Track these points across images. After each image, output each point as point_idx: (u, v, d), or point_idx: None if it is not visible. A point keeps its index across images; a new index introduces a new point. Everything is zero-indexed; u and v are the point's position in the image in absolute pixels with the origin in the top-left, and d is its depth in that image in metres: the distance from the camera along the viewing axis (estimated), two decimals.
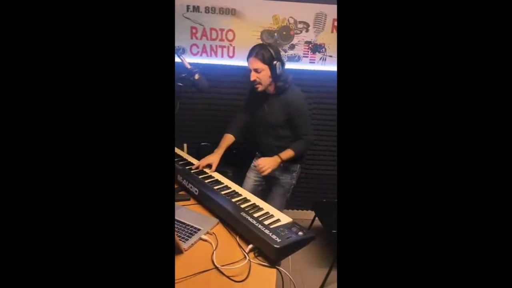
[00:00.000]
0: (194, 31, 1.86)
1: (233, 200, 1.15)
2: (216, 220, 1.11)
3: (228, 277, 0.86)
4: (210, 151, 1.51)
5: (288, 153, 1.41)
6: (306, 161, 2.10)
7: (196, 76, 1.32)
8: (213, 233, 1.05)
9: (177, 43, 1.87)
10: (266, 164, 1.36)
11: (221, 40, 1.88)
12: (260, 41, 1.86)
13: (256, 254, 0.96)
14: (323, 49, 1.92)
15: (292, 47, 1.91)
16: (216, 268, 0.89)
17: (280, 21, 1.85)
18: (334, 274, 1.76)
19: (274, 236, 0.92)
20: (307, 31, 1.88)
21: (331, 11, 1.83)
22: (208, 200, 1.18)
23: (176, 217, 1.08)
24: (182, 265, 0.88)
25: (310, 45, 1.91)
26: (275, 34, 1.88)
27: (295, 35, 1.89)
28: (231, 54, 1.92)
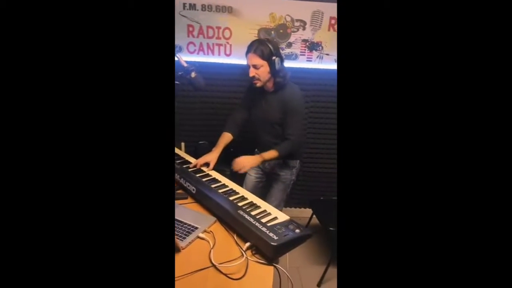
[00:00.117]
0: (190, 29, 1.85)
1: (231, 198, 1.15)
2: (213, 219, 1.11)
3: (225, 275, 0.86)
4: (207, 149, 1.51)
5: (271, 154, 1.39)
6: (304, 159, 2.11)
7: (193, 74, 1.32)
8: (211, 231, 1.05)
9: None
10: (244, 162, 1.34)
11: (218, 38, 1.88)
12: None
13: (253, 252, 0.96)
14: (320, 47, 1.92)
15: (289, 45, 1.91)
16: (214, 266, 0.89)
17: (277, 19, 1.85)
18: (331, 271, 1.77)
19: (271, 234, 0.92)
20: (304, 29, 1.87)
21: (328, 9, 1.82)
22: (206, 198, 1.18)
23: None
24: (179, 264, 0.88)
25: (307, 43, 1.91)
26: (272, 32, 1.87)
27: (292, 33, 1.88)
28: (228, 52, 1.91)
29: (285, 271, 0.91)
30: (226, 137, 1.53)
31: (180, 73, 1.30)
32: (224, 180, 1.30)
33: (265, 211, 1.09)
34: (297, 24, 1.87)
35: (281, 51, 1.89)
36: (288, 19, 1.85)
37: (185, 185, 1.27)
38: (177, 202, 1.22)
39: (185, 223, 1.06)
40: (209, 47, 1.90)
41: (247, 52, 1.34)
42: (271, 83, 1.39)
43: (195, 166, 1.39)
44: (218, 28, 1.85)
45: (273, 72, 1.34)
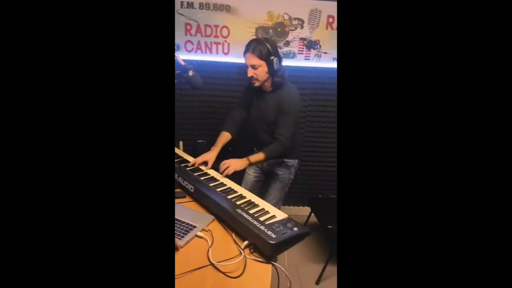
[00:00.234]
0: (188, 27, 1.84)
1: (229, 197, 1.16)
2: (211, 217, 1.11)
3: (223, 273, 0.87)
4: (206, 148, 1.50)
5: (258, 156, 1.38)
6: (302, 158, 2.11)
7: (190, 73, 1.32)
8: (209, 230, 1.05)
9: None
10: (230, 164, 1.32)
11: (216, 36, 1.87)
12: (255, 38, 1.85)
13: (251, 250, 0.96)
14: (318, 46, 1.92)
15: (287, 43, 1.91)
16: (212, 264, 0.89)
17: (275, 18, 1.85)
18: (330, 269, 1.77)
19: (269, 232, 0.93)
20: (302, 27, 1.87)
21: (326, 7, 1.82)
22: (204, 197, 1.19)
23: None
24: (178, 262, 0.88)
25: (305, 42, 1.91)
26: (270, 30, 1.87)
27: (290, 31, 1.88)
28: (226, 51, 1.91)
29: (283, 269, 0.92)
30: (225, 136, 1.52)
31: (177, 71, 1.29)
32: (222, 178, 1.30)
33: (263, 209, 1.10)
34: (295, 22, 1.86)
35: (279, 49, 1.90)
36: (286, 17, 1.85)
37: (183, 184, 1.27)
38: (175, 200, 1.22)
39: (183, 222, 1.06)
40: (207, 46, 1.89)
41: (245, 52, 1.33)
42: (269, 82, 1.39)
43: (193, 165, 1.39)
44: (216, 26, 1.85)
45: (271, 72, 1.34)
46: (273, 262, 0.92)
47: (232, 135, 1.54)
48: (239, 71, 1.85)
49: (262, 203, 1.14)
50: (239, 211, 1.04)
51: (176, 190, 1.29)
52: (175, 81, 1.28)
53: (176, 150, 1.56)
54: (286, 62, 1.91)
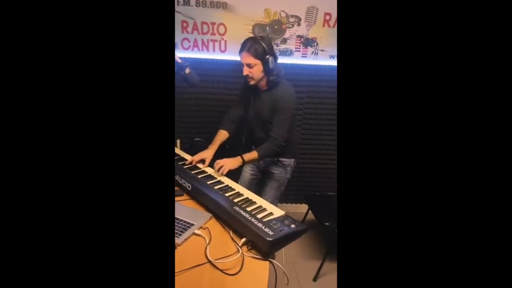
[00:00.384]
0: (185, 25, 1.83)
1: (226, 194, 1.16)
2: (209, 215, 1.11)
3: (221, 270, 0.87)
4: (203, 146, 1.50)
5: (251, 155, 1.38)
6: (299, 156, 2.11)
7: (187, 70, 1.32)
8: (207, 227, 1.05)
9: None
10: (224, 163, 1.32)
11: (213, 34, 1.86)
12: (252, 35, 1.84)
13: (249, 248, 0.97)
14: (315, 43, 1.92)
15: (284, 41, 1.91)
16: (210, 262, 0.89)
17: (272, 15, 1.84)
18: (327, 266, 1.78)
19: (266, 229, 0.93)
20: (299, 25, 1.87)
21: (323, 4, 1.82)
22: (201, 195, 1.19)
23: None
24: (176, 260, 0.87)
25: (302, 39, 1.91)
26: (267, 28, 1.87)
27: (287, 29, 1.88)
28: (223, 48, 1.90)
29: (281, 266, 0.92)
30: (222, 135, 1.52)
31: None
32: (219, 176, 1.30)
33: (260, 206, 1.10)
34: (291, 20, 1.86)
35: (276, 47, 1.90)
36: (283, 15, 1.85)
37: (180, 182, 1.26)
38: None
39: (181, 220, 1.06)
40: (204, 43, 1.89)
41: (241, 51, 1.33)
42: (264, 81, 1.39)
43: (190, 163, 1.39)
44: (213, 24, 1.84)
45: (267, 70, 1.34)
46: (270, 259, 0.93)
47: (229, 133, 1.54)
48: (236, 69, 1.85)
49: (259, 201, 1.14)
50: (237, 208, 1.04)
51: None
52: None
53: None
54: (283, 60, 1.91)
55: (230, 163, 1.33)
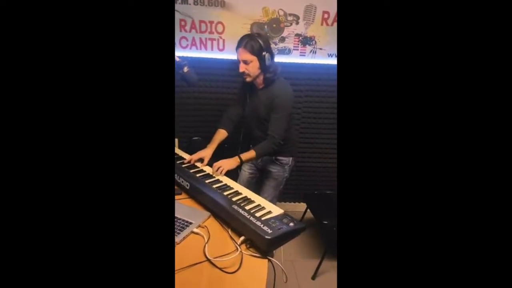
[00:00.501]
0: (183, 23, 1.83)
1: (225, 193, 1.16)
2: (207, 214, 1.11)
3: (220, 268, 0.87)
4: (201, 145, 1.50)
5: (249, 154, 1.38)
6: (297, 154, 2.12)
7: (185, 69, 1.31)
8: (205, 226, 1.05)
9: None
10: (222, 165, 1.32)
11: (211, 32, 1.86)
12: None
13: (248, 246, 0.97)
14: (313, 42, 1.92)
15: (282, 39, 1.91)
16: (208, 260, 0.90)
17: (270, 13, 1.84)
18: (326, 265, 1.79)
19: (265, 228, 0.93)
20: (297, 23, 1.87)
21: (321, 3, 1.82)
22: (200, 193, 1.19)
23: None
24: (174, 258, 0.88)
25: (300, 38, 1.91)
26: (265, 26, 1.86)
27: (285, 27, 1.88)
28: (221, 47, 1.90)
29: (279, 264, 0.92)
30: (221, 134, 1.52)
31: None
32: (218, 175, 1.30)
33: (259, 205, 1.10)
34: (290, 18, 1.86)
35: (274, 45, 1.90)
36: (281, 13, 1.85)
37: (179, 180, 1.26)
38: None
39: (179, 219, 1.06)
40: (202, 42, 1.88)
41: (237, 47, 1.33)
42: (261, 78, 1.38)
43: (189, 162, 1.38)
44: (211, 22, 1.84)
45: (263, 67, 1.33)
46: (269, 257, 0.93)
47: (228, 132, 1.54)
48: (235, 68, 1.83)
49: (258, 199, 1.14)
50: (235, 207, 1.05)
51: None
52: None
53: None
54: (281, 58, 1.92)
55: (228, 164, 1.33)
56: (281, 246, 1.00)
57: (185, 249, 0.94)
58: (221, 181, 1.26)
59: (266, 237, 0.90)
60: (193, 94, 1.99)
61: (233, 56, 1.86)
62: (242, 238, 0.98)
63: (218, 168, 1.30)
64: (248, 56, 1.30)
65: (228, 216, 1.05)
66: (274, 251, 0.97)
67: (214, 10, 1.81)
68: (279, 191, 1.63)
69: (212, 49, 1.90)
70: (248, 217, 0.99)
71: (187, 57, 1.79)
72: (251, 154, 1.38)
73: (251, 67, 1.32)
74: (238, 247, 0.95)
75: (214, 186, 1.21)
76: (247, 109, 1.51)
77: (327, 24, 1.88)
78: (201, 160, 1.40)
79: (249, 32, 1.84)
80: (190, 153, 1.44)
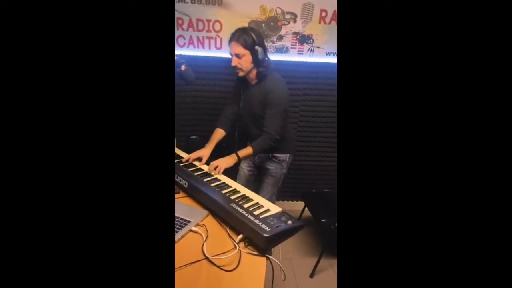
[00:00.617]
0: (180, 22, 1.82)
1: (223, 191, 1.16)
2: (206, 212, 1.11)
3: (218, 266, 0.87)
4: (199, 144, 1.50)
5: (246, 151, 1.37)
6: (295, 153, 2.12)
7: (183, 67, 1.31)
8: (203, 224, 1.05)
9: None
10: (219, 163, 1.31)
11: (208, 31, 1.86)
12: None
13: (246, 244, 0.97)
14: (311, 40, 1.92)
15: (280, 38, 1.91)
16: (207, 258, 0.90)
17: (268, 12, 1.84)
18: (324, 263, 1.79)
19: (263, 226, 0.93)
20: (294, 21, 1.87)
21: (319, 1, 1.82)
22: (198, 192, 1.18)
23: None
24: None
25: (298, 36, 1.91)
26: (263, 25, 1.86)
27: (283, 26, 1.88)
28: (218, 46, 1.90)
29: (278, 262, 0.93)
30: (219, 133, 1.52)
31: None
32: (216, 174, 1.30)
33: (257, 203, 1.10)
34: (287, 16, 1.86)
35: (272, 44, 1.90)
36: (279, 11, 1.84)
37: (177, 179, 1.26)
38: None
39: (178, 217, 1.06)
40: (199, 40, 1.88)
41: (230, 41, 1.32)
42: (253, 74, 1.37)
43: (187, 161, 1.38)
44: (208, 21, 1.83)
45: (256, 62, 1.32)
46: (267, 255, 0.93)
47: (225, 132, 1.54)
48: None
49: (256, 198, 1.14)
50: (234, 205, 1.04)
51: None
52: None
53: None
54: (279, 57, 1.92)
55: (225, 162, 1.33)
56: (279, 244, 1.00)
57: (184, 248, 0.94)
58: (219, 180, 1.26)
59: (264, 235, 0.90)
60: (190, 93, 1.99)
61: None
62: (240, 236, 0.98)
63: (216, 167, 1.30)
64: (240, 50, 1.29)
65: (226, 215, 1.05)
66: (272, 249, 0.97)
67: (211, 9, 1.81)
68: (278, 188, 1.63)
69: (209, 47, 1.90)
70: (246, 215, 0.99)
71: (184, 56, 1.78)
72: (248, 150, 1.37)
73: (244, 61, 1.32)
74: (237, 245, 0.95)
75: (212, 184, 1.21)
76: (242, 106, 1.50)
77: (325, 23, 1.88)
78: (199, 159, 1.40)
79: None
80: (188, 152, 1.43)
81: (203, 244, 0.95)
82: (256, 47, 1.29)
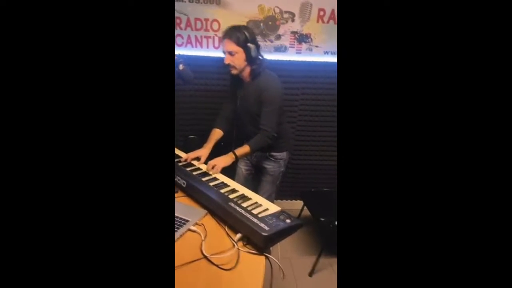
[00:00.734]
0: (178, 21, 1.82)
1: (221, 191, 1.15)
2: (204, 211, 1.11)
3: (217, 266, 0.87)
4: (197, 143, 1.50)
5: (243, 150, 1.37)
6: (293, 152, 2.12)
7: (181, 67, 1.31)
8: (202, 224, 1.05)
9: None
10: (217, 163, 1.31)
11: (206, 30, 1.85)
12: None
13: (245, 243, 0.97)
14: (309, 39, 1.92)
15: (278, 37, 1.91)
16: (205, 257, 0.89)
17: (266, 11, 1.84)
18: (323, 262, 1.80)
19: (262, 225, 0.93)
20: (293, 21, 1.87)
21: (317, 0, 1.82)
22: (196, 191, 1.18)
23: None
24: None
25: (296, 35, 1.91)
26: (261, 24, 1.86)
27: (281, 25, 1.88)
28: (216, 45, 1.89)
29: (276, 261, 0.92)
30: (217, 133, 1.52)
31: None
32: (214, 173, 1.30)
33: (256, 202, 1.10)
34: (286, 16, 1.86)
35: (270, 43, 1.90)
36: (277, 10, 1.84)
37: (175, 179, 1.26)
38: None
39: (176, 217, 1.06)
40: (197, 40, 1.88)
41: (223, 38, 1.31)
42: (247, 72, 1.37)
43: (185, 160, 1.38)
44: (206, 20, 1.83)
45: (249, 59, 1.32)
46: (266, 254, 0.93)
47: (223, 132, 1.53)
48: None
49: (254, 197, 1.14)
50: (232, 204, 1.04)
51: None
52: None
53: None
54: (277, 56, 1.91)
55: (223, 161, 1.33)
56: (278, 243, 1.00)
57: (182, 247, 0.94)
58: (218, 179, 1.25)
59: (263, 234, 0.90)
60: (188, 92, 1.98)
61: None
62: (239, 235, 0.98)
63: (213, 166, 1.30)
64: (233, 47, 1.29)
65: (224, 214, 1.05)
66: (271, 248, 0.97)
67: (209, 8, 1.80)
68: (276, 186, 1.63)
69: (207, 46, 1.89)
70: (245, 214, 0.99)
71: (182, 55, 1.78)
72: (245, 149, 1.37)
73: (237, 59, 1.31)
74: (235, 244, 0.95)
75: (211, 184, 1.20)
76: (239, 105, 1.50)
77: (323, 22, 1.88)
78: (197, 158, 1.40)
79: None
80: (186, 152, 1.43)
81: (201, 243, 0.95)
82: (249, 44, 1.29)
